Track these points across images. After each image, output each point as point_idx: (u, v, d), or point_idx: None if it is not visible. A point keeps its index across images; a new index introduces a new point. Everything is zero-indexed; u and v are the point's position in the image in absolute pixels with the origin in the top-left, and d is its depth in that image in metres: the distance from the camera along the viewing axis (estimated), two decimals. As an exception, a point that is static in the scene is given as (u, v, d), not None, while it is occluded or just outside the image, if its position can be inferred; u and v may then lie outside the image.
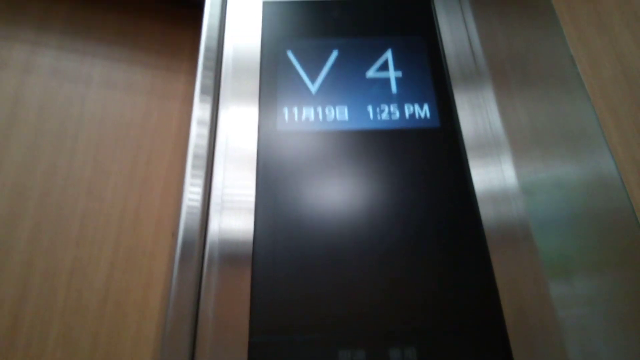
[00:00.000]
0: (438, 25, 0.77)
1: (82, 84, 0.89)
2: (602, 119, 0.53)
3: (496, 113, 0.69)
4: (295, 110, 0.70)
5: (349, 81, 0.72)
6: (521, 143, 0.65)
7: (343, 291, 0.57)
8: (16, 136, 0.81)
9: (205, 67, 0.72)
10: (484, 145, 0.68)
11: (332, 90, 0.71)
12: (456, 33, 0.77)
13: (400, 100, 0.71)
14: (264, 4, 0.79)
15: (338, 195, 0.64)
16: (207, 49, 0.73)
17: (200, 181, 0.64)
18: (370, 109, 0.70)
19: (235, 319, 0.56)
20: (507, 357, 0.54)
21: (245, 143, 0.67)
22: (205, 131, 0.67)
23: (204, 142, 0.66)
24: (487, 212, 0.63)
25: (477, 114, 0.70)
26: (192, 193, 0.63)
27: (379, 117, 0.69)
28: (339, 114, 0.69)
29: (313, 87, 0.72)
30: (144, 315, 0.78)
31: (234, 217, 0.62)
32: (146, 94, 0.93)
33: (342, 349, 0.54)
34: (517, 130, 0.66)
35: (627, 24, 0.53)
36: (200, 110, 0.68)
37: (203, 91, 0.70)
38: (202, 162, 0.65)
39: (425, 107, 0.70)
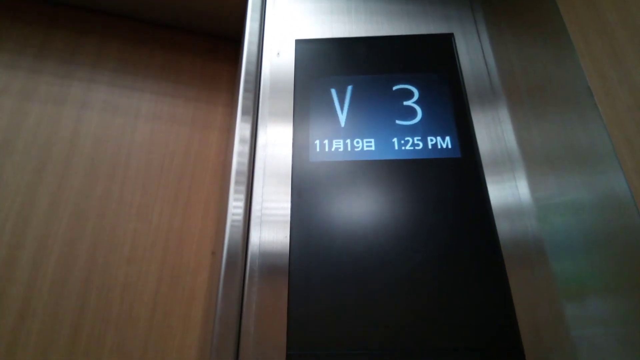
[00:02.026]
0: (459, 61, 0.81)
1: (131, 117, 0.98)
2: (617, 148, 0.54)
3: (514, 143, 0.73)
4: (326, 142, 0.75)
5: (375, 114, 0.78)
6: (538, 171, 0.68)
7: (370, 307, 0.62)
8: (75, 165, 0.91)
9: (245, 90, 0.78)
10: (502, 174, 0.72)
11: (360, 123, 0.77)
12: (476, 68, 0.81)
13: (424, 132, 0.76)
14: (297, 41, 0.85)
15: (366, 218, 0.69)
16: (247, 73, 0.80)
17: (242, 196, 0.69)
18: (395, 140, 0.75)
19: (273, 332, 0.61)
20: (524, 375, 0.58)
21: (281, 159, 0.73)
22: (246, 149, 0.73)
23: (245, 159, 0.72)
24: (505, 236, 0.67)
25: (496, 145, 0.74)
26: (235, 207, 0.68)
27: (403, 148, 0.75)
28: (366, 145, 0.75)
29: (342, 120, 0.78)
30: (187, 327, 0.85)
31: (272, 229, 0.68)
32: (188, 125, 1.02)
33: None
34: (534, 160, 0.69)
35: (639, 58, 0.54)
36: (241, 130, 0.75)
37: (244, 112, 0.76)
38: (244, 178, 0.71)
39: (447, 139, 0.75)
